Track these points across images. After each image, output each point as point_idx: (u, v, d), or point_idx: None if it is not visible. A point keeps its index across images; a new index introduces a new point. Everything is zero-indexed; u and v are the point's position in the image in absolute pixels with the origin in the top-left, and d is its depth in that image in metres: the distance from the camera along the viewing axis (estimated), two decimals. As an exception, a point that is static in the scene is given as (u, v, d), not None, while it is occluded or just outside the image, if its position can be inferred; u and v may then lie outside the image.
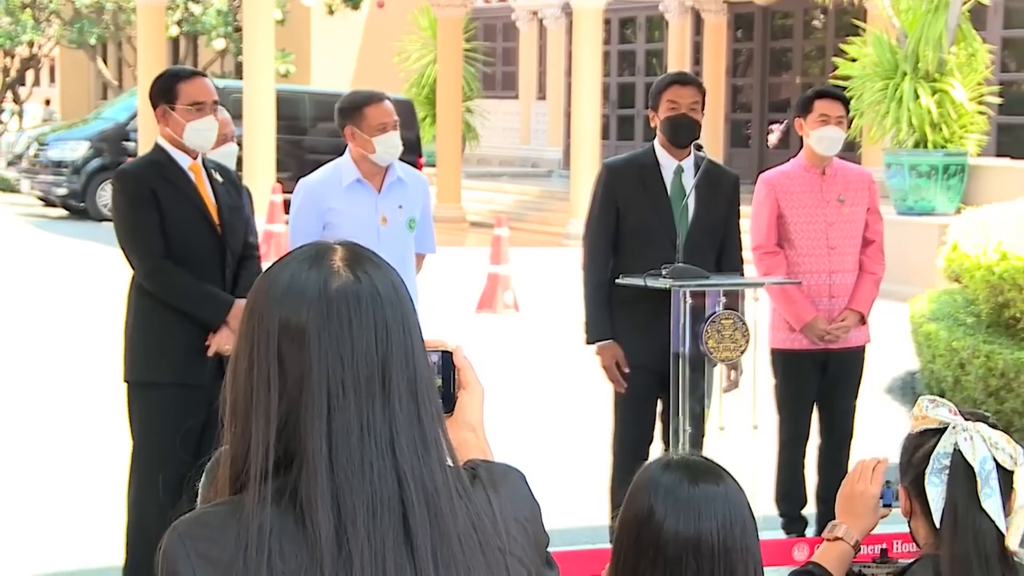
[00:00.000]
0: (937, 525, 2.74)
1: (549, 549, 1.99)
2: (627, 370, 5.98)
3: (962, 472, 2.73)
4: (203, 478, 2.57)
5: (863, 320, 6.47)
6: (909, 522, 2.87)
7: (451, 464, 1.87)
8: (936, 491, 2.74)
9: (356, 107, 5.93)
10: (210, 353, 5.42)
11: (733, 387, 5.89)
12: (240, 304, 5.32)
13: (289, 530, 1.79)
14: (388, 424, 1.82)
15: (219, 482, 1.86)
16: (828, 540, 2.95)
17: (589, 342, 6.08)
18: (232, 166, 5.85)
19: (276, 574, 1.77)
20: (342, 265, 1.86)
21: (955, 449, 2.75)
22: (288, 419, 1.81)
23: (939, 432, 2.78)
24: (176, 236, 5.42)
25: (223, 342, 5.38)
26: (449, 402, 2.03)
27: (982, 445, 2.74)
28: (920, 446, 2.81)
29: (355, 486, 1.79)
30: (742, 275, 6.09)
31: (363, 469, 1.80)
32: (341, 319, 1.82)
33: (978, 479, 2.72)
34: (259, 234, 6.30)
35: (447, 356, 2.04)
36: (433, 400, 1.88)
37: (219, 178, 5.63)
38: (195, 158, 5.54)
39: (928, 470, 2.75)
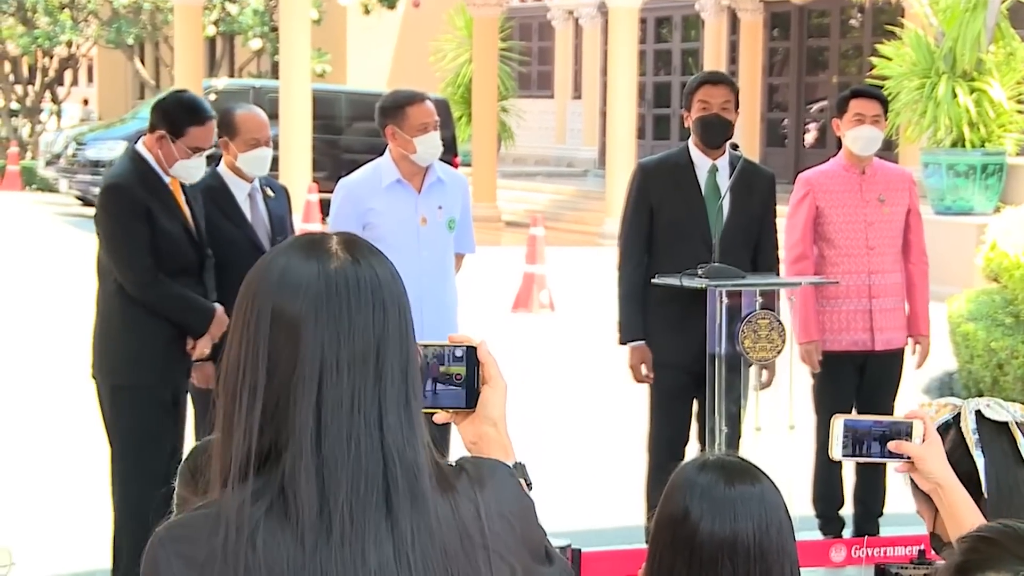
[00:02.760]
0: (985, 494, 2.69)
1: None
2: (652, 373, 6.01)
3: (993, 436, 2.72)
4: (178, 478, 2.58)
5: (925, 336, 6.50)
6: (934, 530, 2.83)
7: (436, 459, 1.88)
8: (981, 462, 2.71)
9: (398, 106, 5.94)
10: (195, 356, 5.51)
11: (766, 387, 5.89)
12: (221, 310, 5.47)
13: (274, 515, 1.79)
14: (378, 402, 1.83)
15: (212, 473, 1.86)
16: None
17: (622, 342, 6.09)
18: (266, 169, 5.88)
19: (259, 560, 1.77)
20: (339, 249, 1.87)
21: (979, 418, 2.73)
22: (279, 402, 1.81)
23: (949, 426, 2.76)
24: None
25: (205, 346, 5.50)
26: (472, 397, 2.04)
27: (1002, 406, 2.73)
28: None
29: (340, 460, 1.80)
30: (778, 274, 6.07)
31: (350, 445, 1.81)
32: (340, 298, 1.83)
33: (1017, 435, 2.71)
34: (296, 233, 6.37)
35: (471, 351, 2.04)
36: (420, 389, 1.90)
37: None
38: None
39: (971, 447, 2.72)
